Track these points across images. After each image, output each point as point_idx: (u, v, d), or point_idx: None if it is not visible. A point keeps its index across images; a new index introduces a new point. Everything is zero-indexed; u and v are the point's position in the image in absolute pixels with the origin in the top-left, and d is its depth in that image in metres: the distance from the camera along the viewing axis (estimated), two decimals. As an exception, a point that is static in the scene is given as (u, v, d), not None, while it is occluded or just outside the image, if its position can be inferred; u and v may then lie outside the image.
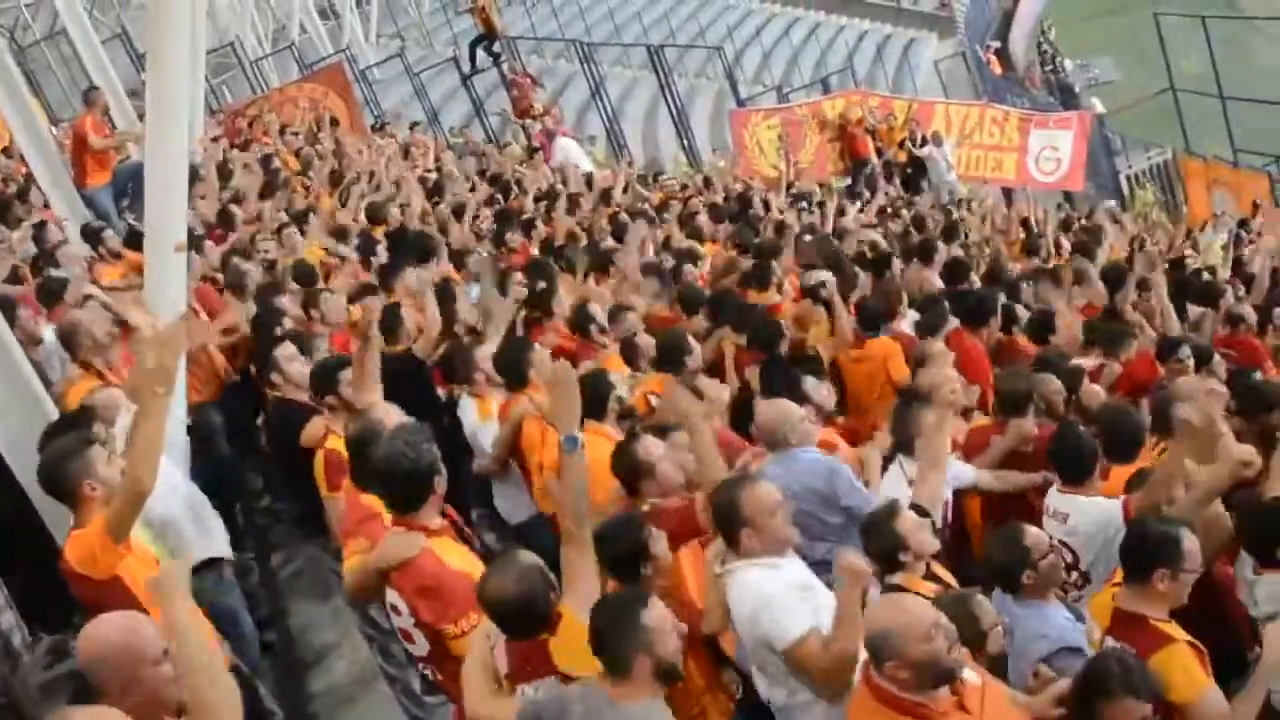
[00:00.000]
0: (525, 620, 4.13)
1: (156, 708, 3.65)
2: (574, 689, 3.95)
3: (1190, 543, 4.54)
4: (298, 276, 8.94)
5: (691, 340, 7.20)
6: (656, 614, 3.92)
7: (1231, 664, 5.07)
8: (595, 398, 6.02)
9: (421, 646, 4.61)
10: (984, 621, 4.47)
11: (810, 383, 6.70)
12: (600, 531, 4.59)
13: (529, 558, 4.21)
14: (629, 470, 5.30)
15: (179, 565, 3.93)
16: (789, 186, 16.82)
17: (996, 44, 37.38)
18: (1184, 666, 4.34)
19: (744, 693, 4.76)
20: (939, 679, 3.82)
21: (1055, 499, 5.69)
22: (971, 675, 3.97)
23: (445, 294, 7.99)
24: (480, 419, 6.83)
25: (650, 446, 5.34)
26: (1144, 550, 4.58)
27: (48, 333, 7.48)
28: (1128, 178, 26.58)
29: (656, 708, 3.90)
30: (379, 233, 10.98)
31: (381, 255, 9.78)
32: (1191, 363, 7.76)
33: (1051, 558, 4.86)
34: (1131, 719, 3.94)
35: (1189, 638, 4.45)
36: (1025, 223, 14.55)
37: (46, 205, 11.84)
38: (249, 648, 5.88)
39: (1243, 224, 18.20)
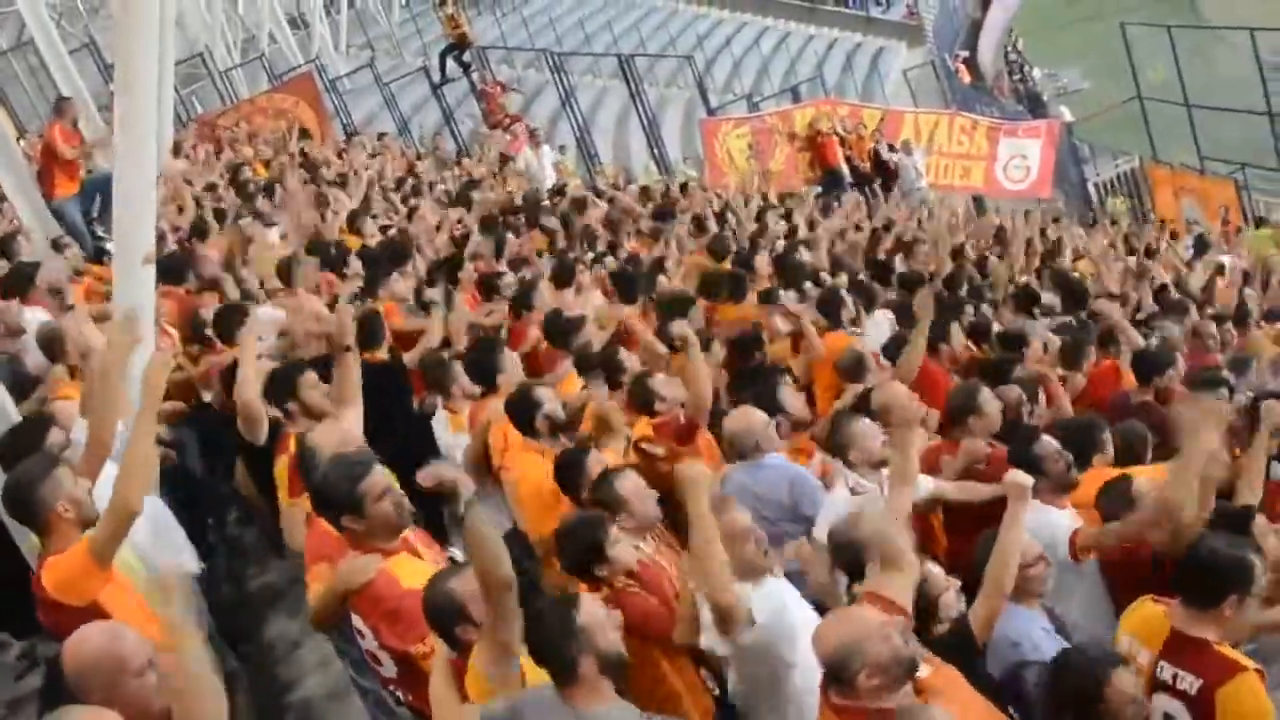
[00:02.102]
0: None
1: (141, 717, 3.62)
2: (527, 697, 3.91)
3: (1260, 567, 4.42)
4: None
5: (629, 355, 7.14)
6: (588, 611, 3.90)
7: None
8: (524, 417, 6.08)
9: (389, 669, 4.57)
10: (934, 588, 4.52)
11: (785, 392, 6.71)
12: (560, 529, 4.64)
13: (472, 572, 4.16)
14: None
15: (177, 573, 3.90)
16: (764, 195, 16.87)
17: (965, 53, 37.57)
18: (1255, 693, 4.23)
19: (723, 690, 4.76)
20: (907, 673, 3.80)
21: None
22: (923, 667, 3.96)
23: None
24: (453, 432, 6.79)
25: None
26: (1216, 574, 4.37)
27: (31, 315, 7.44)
28: (1096, 186, 26.75)
29: (621, 710, 3.86)
30: (355, 244, 10.92)
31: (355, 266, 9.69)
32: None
33: (1040, 567, 4.86)
34: (1127, 689, 3.94)
35: (1256, 664, 4.32)
36: (999, 232, 14.61)
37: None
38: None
39: (1200, 243, 18.30)
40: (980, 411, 6.44)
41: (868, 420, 6.06)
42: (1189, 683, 4.30)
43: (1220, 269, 14.16)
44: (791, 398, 6.73)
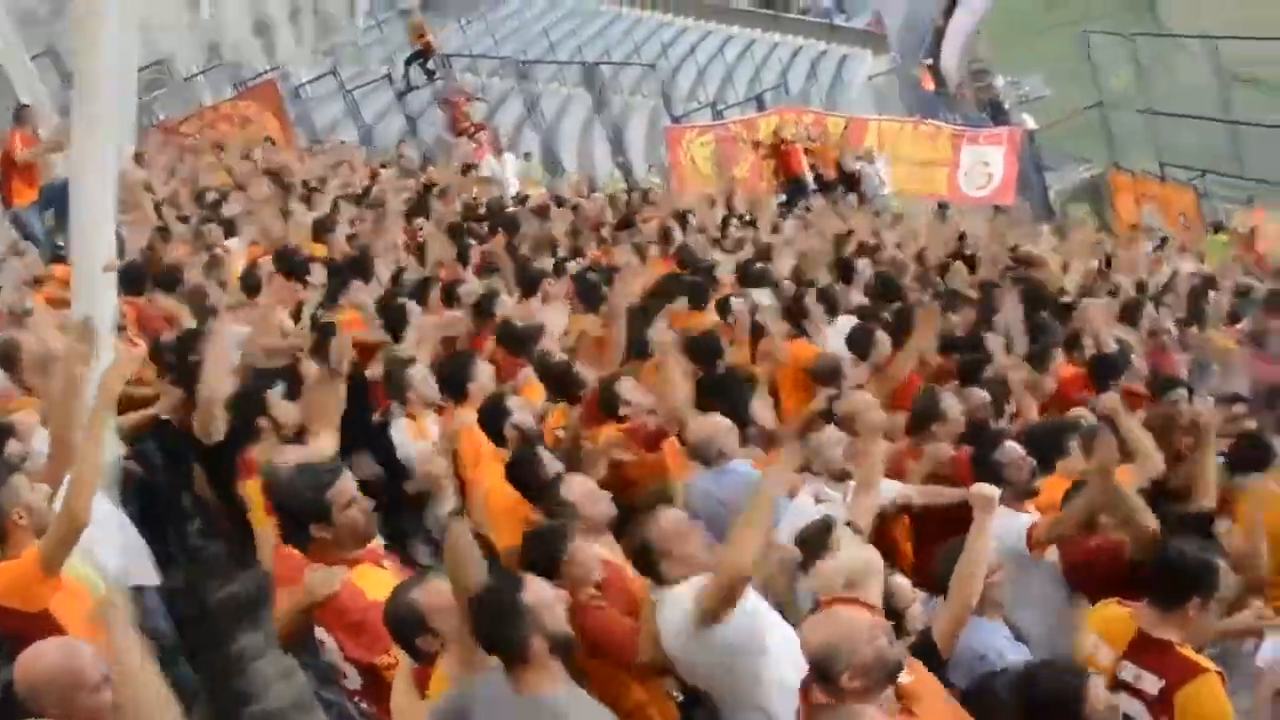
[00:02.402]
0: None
1: None
2: (475, 685, 3.88)
3: (1227, 570, 4.48)
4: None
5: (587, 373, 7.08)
6: (535, 590, 3.88)
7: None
8: (494, 426, 6.10)
9: (354, 680, 4.54)
10: (900, 600, 4.54)
11: (756, 404, 6.72)
12: (524, 539, 4.68)
13: (435, 582, 4.15)
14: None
15: (121, 591, 3.87)
16: (728, 203, 16.87)
17: (928, 61, 37.76)
18: (1214, 695, 4.27)
19: (687, 695, 4.74)
20: (890, 675, 3.80)
21: None
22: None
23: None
24: (413, 439, 6.76)
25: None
26: (1182, 575, 4.43)
27: None
28: (1058, 192, 26.92)
29: (575, 698, 3.85)
30: (320, 252, 10.86)
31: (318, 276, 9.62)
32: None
33: (999, 575, 4.88)
34: (1102, 701, 3.94)
35: (1217, 667, 4.36)
36: (962, 238, 14.67)
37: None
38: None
39: (1162, 243, 18.46)
40: (943, 417, 6.49)
41: (832, 429, 6.08)
42: (1150, 683, 4.34)
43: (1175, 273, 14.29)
44: (762, 409, 6.73)
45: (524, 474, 5.58)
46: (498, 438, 6.16)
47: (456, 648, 3.95)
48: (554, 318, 8.49)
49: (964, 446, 6.34)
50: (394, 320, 8.01)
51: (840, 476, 5.88)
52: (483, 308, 8.60)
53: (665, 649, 4.48)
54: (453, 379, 6.75)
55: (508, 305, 8.69)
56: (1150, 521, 5.12)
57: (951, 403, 6.61)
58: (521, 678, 3.77)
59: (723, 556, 4.32)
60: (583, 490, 5.22)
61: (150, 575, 5.99)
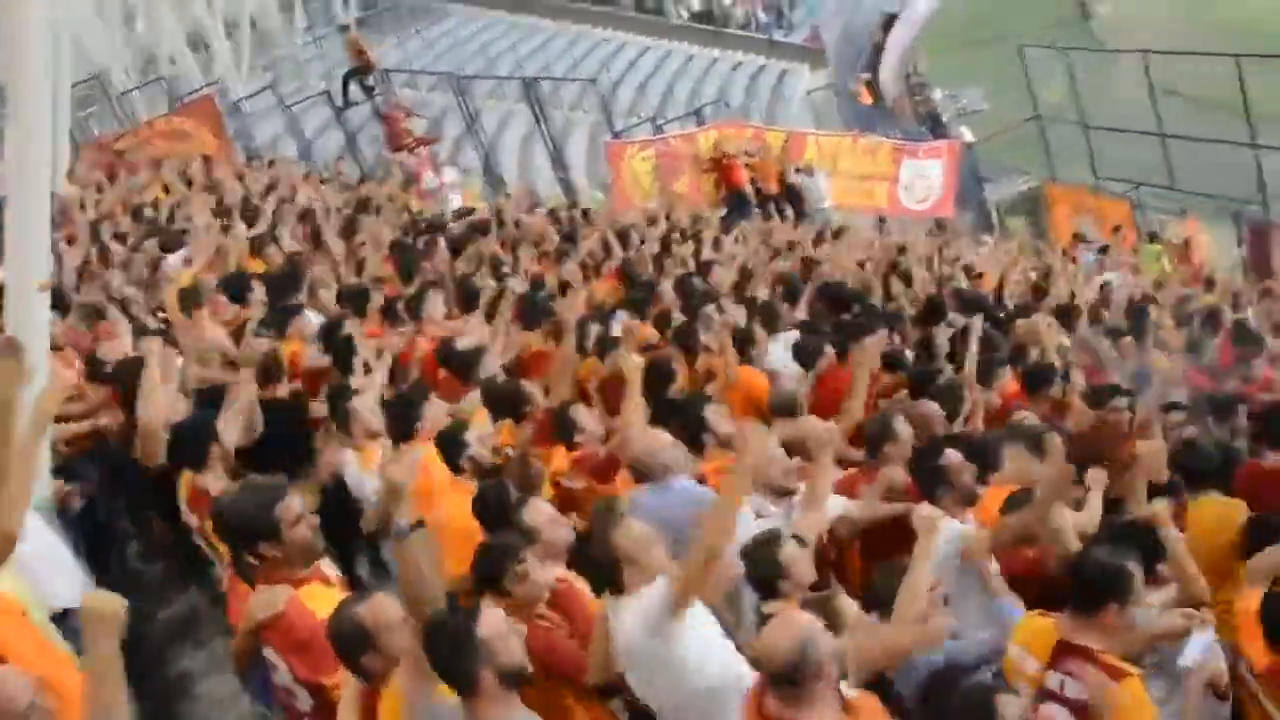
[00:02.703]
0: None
1: None
2: (430, 711, 3.85)
3: (1139, 573, 4.53)
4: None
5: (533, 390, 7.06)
6: (490, 624, 3.86)
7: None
8: (450, 457, 6.05)
9: (304, 701, 4.49)
10: (845, 619, 4.58)
11: (710, 411, 6.70)
12: (477, 551, 4.67)
13: (381, 598, 4.12)
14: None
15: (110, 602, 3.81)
16: (668, 218, 16.89)
17: (867, 75, 38.04)
18: (1137, 698, 4.32)
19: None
20: (842, 675, 3.88)
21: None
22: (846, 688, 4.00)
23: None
24: (362, 469, 6.66)
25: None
26: (1096, 582, 4.49)
27: None
28: (996, 205, 27.18)
29: (516, 714, 3.84)
30: (258, 268, 10.73)
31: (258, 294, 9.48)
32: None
33: (940, 589, 4.90)
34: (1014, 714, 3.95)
35: (1139, 670, 4.43)
36: (901, 251, 14.77)
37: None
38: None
39: (1104, 249, 18.69)
40: (895, 438, 6.48)
41: (772, 445, 6.07)
42: (1075, 690, 4.39)
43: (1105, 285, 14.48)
44: (717, 416, 6.70)
45: (489, 507, 5.51)
46: (456, 467, 6.10)
47: (410, 665, 3.90)
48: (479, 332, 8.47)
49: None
50: (340, 350, 7.88)
51: (780, 493, 5.89)
52: (411, 311, 8.56)
53: (619, 658, 4.46)
54: (400, 420, 6.65)
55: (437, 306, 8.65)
56: (1072, 544, 5.27)
57: (903, 425, 6.60)
58: (475, 708, 3.76)
59: (699, 537, 4.31)
60: (545, 515, 5.20)
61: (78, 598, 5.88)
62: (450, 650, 3.79)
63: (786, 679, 3.77)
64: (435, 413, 6.70)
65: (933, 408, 7.06)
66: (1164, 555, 5.23)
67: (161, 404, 6.19)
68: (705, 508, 5.47)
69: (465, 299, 9.57)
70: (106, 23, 26.89)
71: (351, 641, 4.04)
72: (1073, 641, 4.46)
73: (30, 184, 6.93)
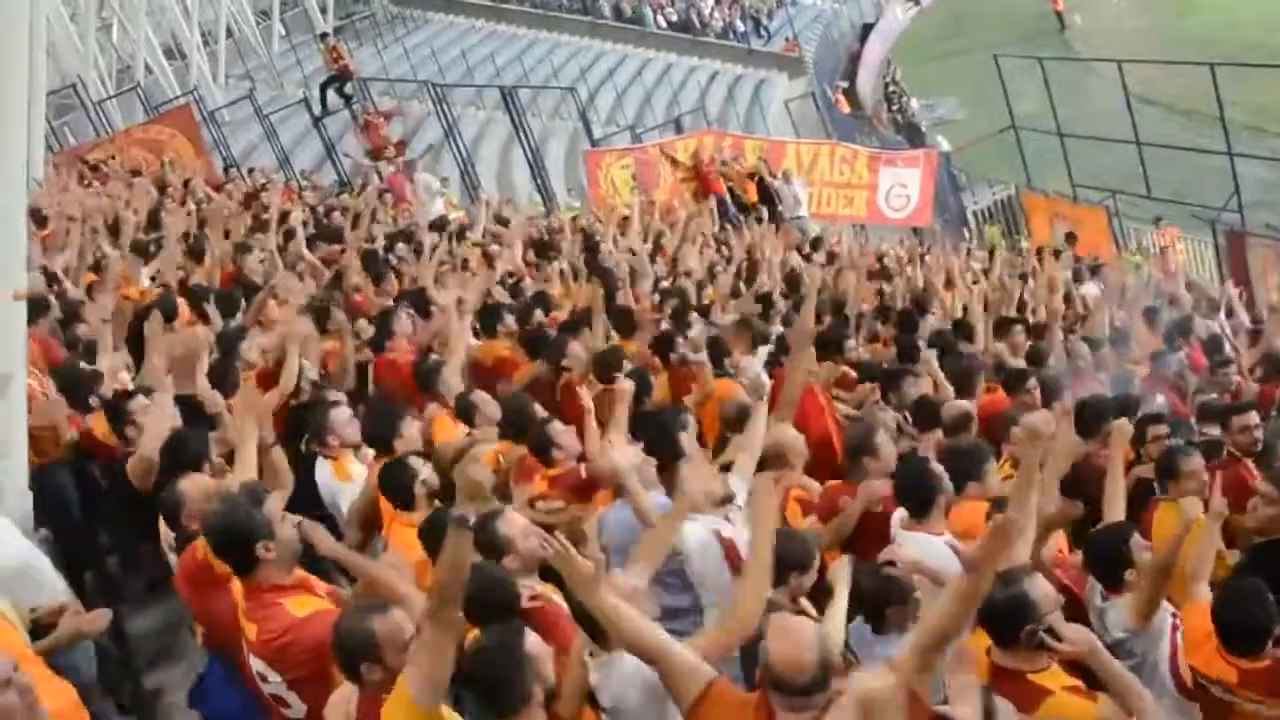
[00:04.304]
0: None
1: None
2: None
3: (1039, 588, 4.42)
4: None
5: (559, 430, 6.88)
6: (533, 641, 3.93)
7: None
8: (400, 488, 5.90)
9: (298, 709, 4.49)
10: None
11: (684, 437, 6.68)
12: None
13: (396, 615, 4.11)
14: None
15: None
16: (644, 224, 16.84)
17: (844, 84, 38.15)
18: (1069, 710, 4.28)
19: None
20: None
21: (900, 535, 5.72)
22: None
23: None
24: (337, 479, 6.63)
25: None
26: (1002, 615, 4.40)
27: None
28: (974, 213, 27.27)
29: None
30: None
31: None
32: (1039, 394, 8.02)
33: (917, 595, 4.92)
34: None
35: (1067, 680, 4.38)
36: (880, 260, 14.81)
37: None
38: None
39: (1095, 270, 18.67)
40: (876, 452, 6.48)
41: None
42: (1009, 714, 4.26)
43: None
44: (690, 442, 6.66)
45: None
46: (408, 500, 5.89)
47: (421, 670, 3.88)
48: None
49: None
50: None
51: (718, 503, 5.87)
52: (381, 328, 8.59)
53: (607, 708, 4.40)
54: (378, 434, 6.63)
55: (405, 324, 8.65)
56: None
57: (884, 439, 6.62)
58: None
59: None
60: (517, 527, 5.12)
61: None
62: (508, 670, 3.84)
63: (803, 692, 3.73)
64: (411, 430, 6.66)
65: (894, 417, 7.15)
66: (1130, 564, 5.24)
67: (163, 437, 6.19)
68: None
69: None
70: (82, 31, 26.79)
71: (357, 649, 4.03)
72: (1003, 665, 4.44)
73: (4, 192, 6.91)
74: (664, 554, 4.81)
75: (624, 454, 5.92)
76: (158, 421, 6.36)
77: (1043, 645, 4.34)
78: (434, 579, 3.90)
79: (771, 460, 6.27)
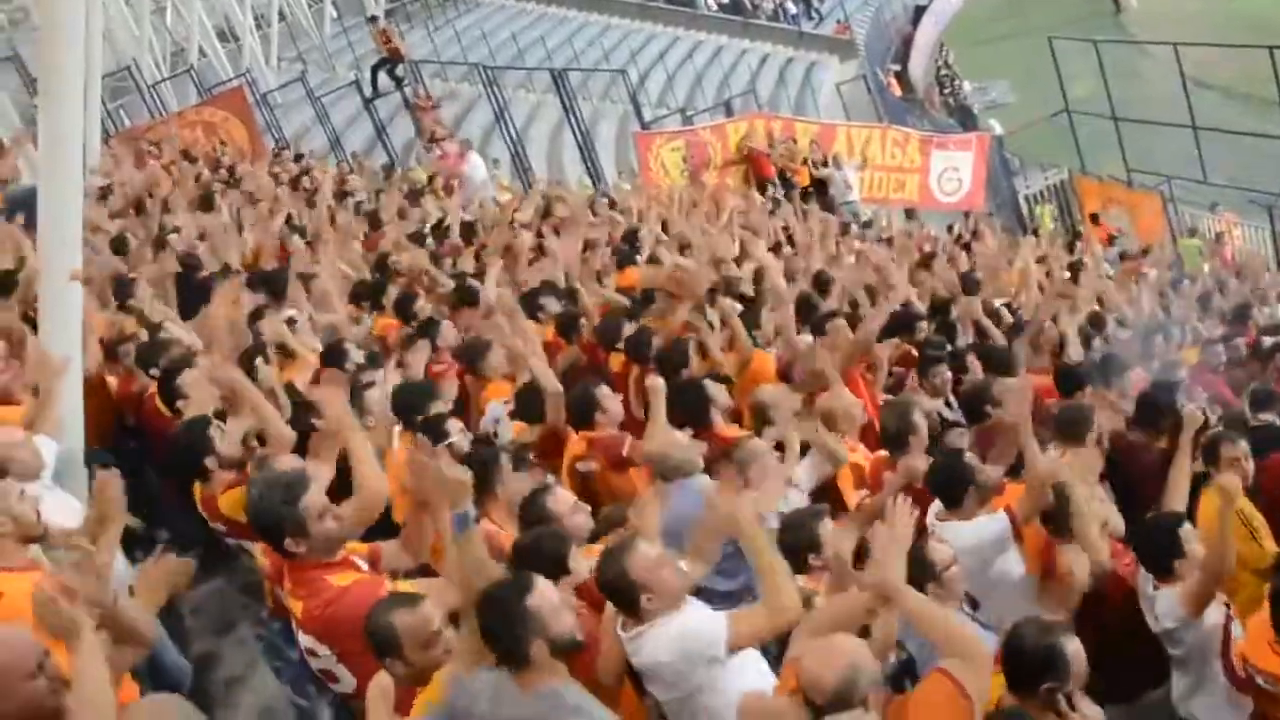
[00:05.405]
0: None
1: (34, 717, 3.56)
2: (480, 678, 3.90)
3: (1073, 649, 4.19)
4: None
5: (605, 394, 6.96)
6: (540, 595, 3.91)
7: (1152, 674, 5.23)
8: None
9: (347, 682, 4.53)
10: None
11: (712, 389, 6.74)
12: (521, 545, 4.74)
13: (425, 609, 4.13)
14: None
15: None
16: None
17: (896, 67, 37.89)
18: None
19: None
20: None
21: (936, 525, 5.74)
22: None
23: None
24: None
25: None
26: (1026, 662, 4.20)
27: None
28: (1026, 198, 27.03)
29: (569, 690, 3.87)
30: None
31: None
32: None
33: (955, 570, 4.94)
34: None
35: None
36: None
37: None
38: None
39: (1145, 251, 18.46)
40: (916, 430, 6.54)
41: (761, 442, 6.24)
42: None
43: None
44: (717, 390, 6.77)
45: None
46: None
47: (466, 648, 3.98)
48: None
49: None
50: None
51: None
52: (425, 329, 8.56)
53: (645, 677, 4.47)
54: (406, 409, 6.67)
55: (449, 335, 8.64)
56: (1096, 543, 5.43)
57: (920, 416, 6.67)
58: (523, 677, 3.82)
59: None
60: (566, 504, 5.21)
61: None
62: (501, 621, 3.86)
63: (817, 711, 3.73)
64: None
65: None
66: (1180, 553, 5.21)
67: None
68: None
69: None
70: (137, 14, 27.01)
71: (381, 643, 4.08)
72: (1011, 709, 4.21)
73: (62, 174, 7.01)
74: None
75: (678, 443, 5.97)
76: (203, 396, 6.40)
77: (1057, 710, 4.14)
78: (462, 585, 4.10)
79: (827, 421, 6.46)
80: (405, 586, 4.53)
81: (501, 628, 3.86)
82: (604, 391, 6.68)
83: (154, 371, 7.25)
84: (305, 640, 4.58)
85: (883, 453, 6.70)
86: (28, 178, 12.31)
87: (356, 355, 7.66)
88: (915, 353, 8.77)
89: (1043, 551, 5.69)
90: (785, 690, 4.02)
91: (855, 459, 6.67)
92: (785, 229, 15.26)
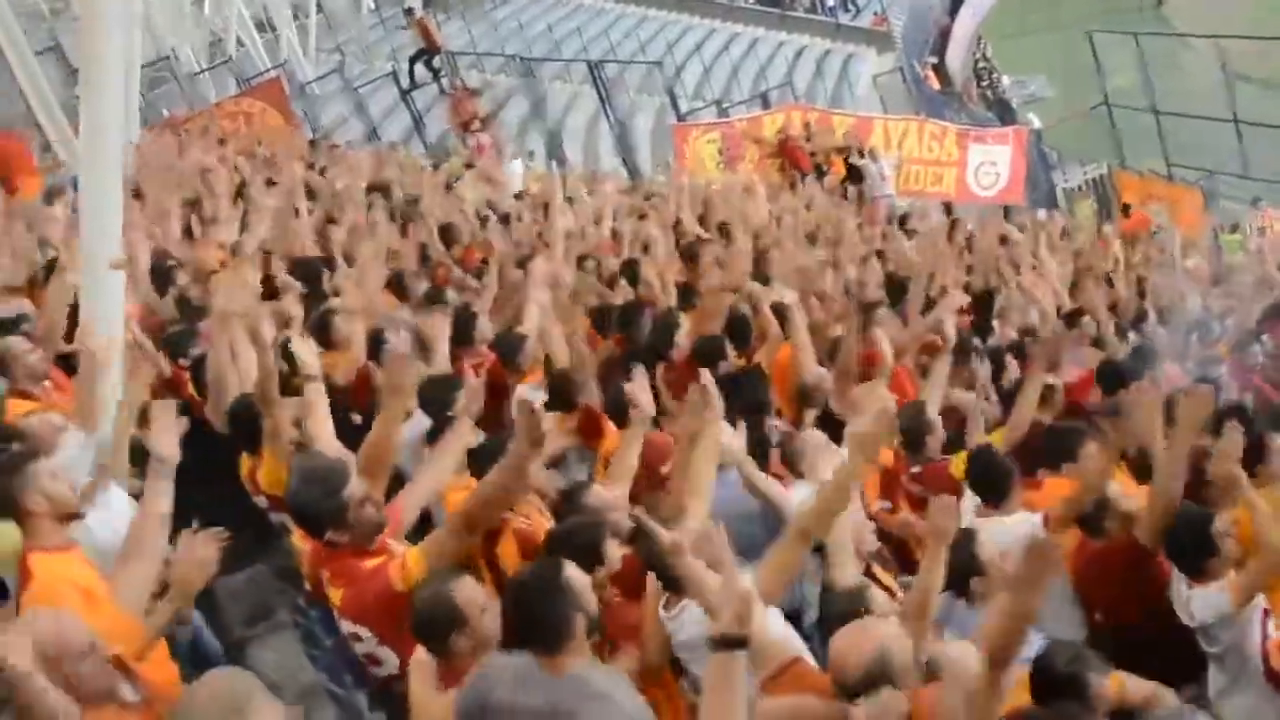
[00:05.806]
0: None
1: (84, 699, 3.57)
2: (496, 663, 3.87)
3: (1098, 680, 4.14)
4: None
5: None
6: (573, 572, 3.93)
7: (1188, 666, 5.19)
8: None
9: (390, 664, 4.54)
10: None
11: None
12: (556, 534, 4.76)
13: (468, 580, 4.16)
14: None
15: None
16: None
17: (934, 60, 37.64)
18: None
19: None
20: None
21: (975, 523, 5.69)
22: None
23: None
24: None
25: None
26: (1050, 682, 4.15)
27: None
28: (1065, 191, 26.86)
29: (595, 675, 3.84)
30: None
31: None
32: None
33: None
34: None
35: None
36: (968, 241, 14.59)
37: None
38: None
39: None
40: (932, 429, 6.66)
41: (818, 434, 6.25)
42: None
43: None
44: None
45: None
46: None
47: None
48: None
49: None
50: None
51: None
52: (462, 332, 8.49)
53: (683, 654, 4.48)
54: (432, 403, 6.59)
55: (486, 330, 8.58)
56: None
57: (935, 415, 6.76)
58: (555, 660, 3.76)
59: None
60: (606, 499, 5.21)
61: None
62: (546, 602, 3.80)
63: (846, 693, 3.70)
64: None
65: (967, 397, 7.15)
66: (1213, 550, 5.17)
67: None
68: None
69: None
70: (176, 5, 27.19)
71: (440, 621, 4.05)
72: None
73: (103, 163, 7.05)
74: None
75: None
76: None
77: None
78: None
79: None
80: (416, 553, 4.50)
81: (543, 606, 3.79)
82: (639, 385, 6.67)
83: (183, 360, 7.23)
84: (346, 626, 4.59)
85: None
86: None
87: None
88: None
89: (1074, 554, 5.65)
90: None
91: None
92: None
